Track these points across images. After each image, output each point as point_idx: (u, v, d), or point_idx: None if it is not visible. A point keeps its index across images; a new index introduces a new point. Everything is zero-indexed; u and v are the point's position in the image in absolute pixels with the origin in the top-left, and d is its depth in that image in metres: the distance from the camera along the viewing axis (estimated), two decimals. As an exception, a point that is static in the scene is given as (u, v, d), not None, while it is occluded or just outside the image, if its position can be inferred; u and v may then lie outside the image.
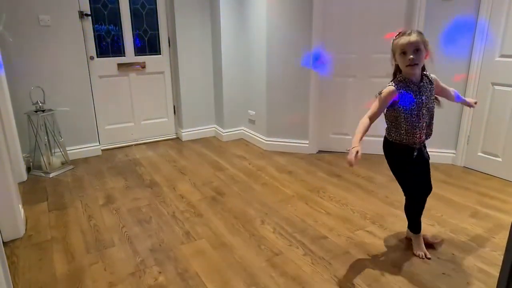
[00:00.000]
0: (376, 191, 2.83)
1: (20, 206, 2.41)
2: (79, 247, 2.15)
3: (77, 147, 3.61)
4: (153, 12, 3.90)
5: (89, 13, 3.50)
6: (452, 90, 2.01)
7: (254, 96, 3.94)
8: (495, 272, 1.86)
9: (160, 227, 2.36)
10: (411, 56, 1.69)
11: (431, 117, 1.89)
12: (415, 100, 1.78)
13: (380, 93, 1.82)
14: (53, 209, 2.62)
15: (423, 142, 1.92)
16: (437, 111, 3.30)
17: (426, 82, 1.83)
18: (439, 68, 3.15)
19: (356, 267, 1.93)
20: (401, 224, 2.35)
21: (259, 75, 3.76)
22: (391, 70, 3.54)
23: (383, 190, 2.86)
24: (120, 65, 3.80)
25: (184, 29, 3.90)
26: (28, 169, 3.28)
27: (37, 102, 3.15)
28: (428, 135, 1.93)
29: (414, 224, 2.06)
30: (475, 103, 2.12)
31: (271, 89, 3.67)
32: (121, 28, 3.75)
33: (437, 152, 3.37)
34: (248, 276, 1.87)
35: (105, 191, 2.91)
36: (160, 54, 4.04)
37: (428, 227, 2.31)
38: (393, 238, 2.19)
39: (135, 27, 3.82)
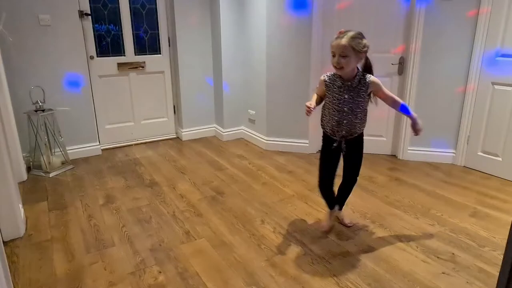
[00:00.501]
0: (376, 191, 2.83)
1: (20, 205, 2.41)
2: (79, 246, 2.15)
3: (77, 146, 3.61)
4: (153, 12, 3.90)
5: (89, 12, 3.50)
6: (400, 101, 1.99)
7: (254, 95, 3.94)
8: (495, 271, 1.86)
9: (160, 226, 2.36)
10: (336, 59, 1.83)
11: (356, 117, 1.97)
12: (337, 95, 1.93)
13: None
14: (53, 208, 2.62)
15: (345, 138, 2.02)
16: (437, 110, 3.32)
17: (358, 83, 1.91)
18: (439, 68, 3.17)
19: (356, 266, 1.94)
20: (401, 223, 2.35)
21: (259, 74, 3.76)
22: (390, 69, 3.56)
23: (383, 189, 2.86)
24: (120, 65, 3.80)
25: (184, 29, 3.89)
26: (28, 169, 3.28)
27: (37, 101, 3.15)
28: (351, 133, 2.01)
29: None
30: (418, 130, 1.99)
31: (271, 88, 3.67)
32: (121, 27, 3.75)
33: (437, 151, 3.37)
34: (248, 275, 1.88)
35: (105, 190, 2.91)
36: (160, 53, 4.04)
37: (428, 226, 2.31)
38: (393, 238, 2.19)
39: (135, 26, 3.82)
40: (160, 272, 1.91)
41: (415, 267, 1.92)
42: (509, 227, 0.82)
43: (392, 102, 1.99)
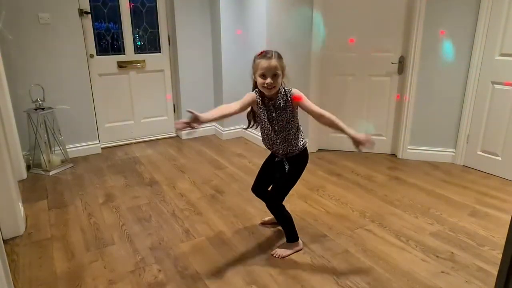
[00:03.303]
0: (376, 190, 2.84)
1: (20, 204, 2.42)
2: (79, 245, 2.15)
3: (77, 145, 3.61)
4: (153, 10, 3.89)
5: (89, 11, 3.49)
6: (329, 116, 1.83)
7: (254, 94, 3.93)
8: (494, 270, 1.87)
9: (160, 225, 2.36)
10: (269, 81, 1.75)
11: (289, 134, 1.88)
12: (266, 114, 1.86)
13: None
14: (53, 207, 2.62)
15: (284, 156, 1.92)
16: (436, 110, 3.32)
17: (282, 100, 1.82)
18: (439, 67, 3.17)
19: (355, 265, 1.94)
20: (401, 222, 2.36)
21: (259, 73, 3.75)
22: (390, 69, 3.56)
23: (383, 189, 2.86)
24: (120, 63, 3.80)
25: (184, 27, 3.89)
26: (28, 167, 3.28)
27: (37, 100, 3.15)
28: (287, 152, 1.91)
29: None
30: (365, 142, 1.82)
31: (271, 87, 3.67)
32: (121, 26, 3.74)
33: (436, 151, 3.38)
34: (247, 274, 1.88)
35: (105, 189, 2.91)
36: (160, 52, 4.03)
37: (427, 225, 2.32)
38: (392, 237, 2.20)
39: (135, 25, 3.82)
40: (160, 270, 1.91)
41: (415, 266, 1.92)
42: (508, 227, 0.82)
43: (318, 117, 1.83)
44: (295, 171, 1.95)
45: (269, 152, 2.05)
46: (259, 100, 1.84)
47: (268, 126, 1.88)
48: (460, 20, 3.00)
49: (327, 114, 1.83)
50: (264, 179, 2.10)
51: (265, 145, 1.98)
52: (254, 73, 1.84)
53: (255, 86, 1.88)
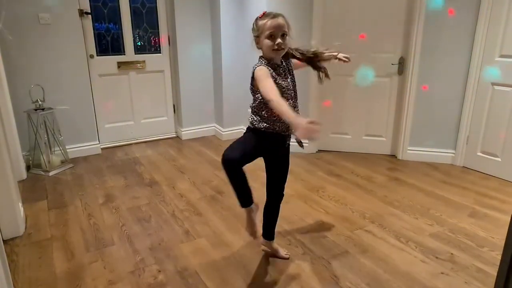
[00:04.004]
0: (376, 191, 2.84)
1: (20, 204, 2.41)
2: (79, 245, 2.15)
3: (77, 145, 3.61)
4: (153, 11, 3.90)
5: (89, 11, 3.49)
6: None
7: (254, 95, 3.93)
8: (493, 271, 1.87)
9: (159, 225, 2.36)
10: (279, 41, 1.59)
11: (296, 99, 1.75)
12: (283, 82, 1.66)
13: (253, 77, 1.61)
14: (52, 207, 2.62)
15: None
16: (436, 110, 3.32)
17: (287, 63, 1.73)
18: (439, 68, 3.18)
19: (355, 266, 1.94)
20: (400, 223, 2.36)
21: (259, 74, 3.75)
22: (390, 69, 3.55)
23: (383, 189, 2.86)
24: (120, 64, 3.80)
25: (184, 28, 3.89)
26: (28, 168, 3.28)
27: (37, 100, 3.15)
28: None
29: None
30: (343, 57, 1.88)
31: (271, 88, 3.67)
32: (121, 26, 3.75)
33: (436, 152, 3.38)
34: (247, 274, 1.88)
35: (104, 189, 2.91)
36: (160, 53, 4.03)
37: (427, 226, 2.32)
38: (392, 238, 2.20)
39: (135, 25, 3.82)
40: (160, 271, 1.91)
41: (414, 267, 1.92)
42: (507, 227, 0.82)
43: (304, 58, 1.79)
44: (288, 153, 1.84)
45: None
46: (271, 70, 1.62)
47: (286, 95, 1.64)
48: (460, 21, 3.00)
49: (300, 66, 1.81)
50: (248, 158, 1.64)
51: (275, 123, 1.66)
52: (258, 37, 1.63)
53: (262, 52, 1.66)
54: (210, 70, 4.19)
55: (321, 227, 2.32)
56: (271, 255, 2.02)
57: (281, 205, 1.95)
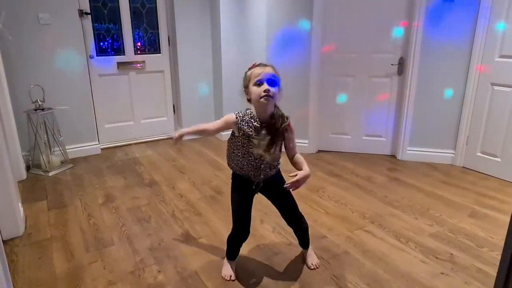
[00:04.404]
0: (375, 191, 2.84)
1: (20, 204, 2.41)
2: (79, 245, 2.15)
3: (77, 145, 3.61)
4: (153, 11, 3.90)
5: (89, 11, 3.49)
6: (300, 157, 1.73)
7: (253, 95, 3.93)
8: (493, 272, 1.87)
9: (159, 226, 2.36)
10: (267, 87, 1.52)
11: (271, 166, 1.70)
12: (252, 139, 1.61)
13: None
14: (52, 207, 2.62)
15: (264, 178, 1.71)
16: (436, 111, 3.32)
17: (282, 129, 1.63)
18: (438, 68, 3.18)
19: (355, 266, 1.94)
20: (400, 223, 2.36)
21: (258, 74, 3.75)
22: (390, 70, 3.55)
23: (382, 190, 2.86)
24: (120, 64, 3.80)
25: (184, 28, 3.89)
26: (28, 168, 3.28)
27: (37, 100, 3.15)
28: (269, 174, 1.72)
29: None
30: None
31: (270, 88, 3.67)
32: (121, 26, 3.75)
33: (436, 152, 3.38)
34: (247, 275, 1.88)
35: (104, 189, 2.91)
36: (160, 53, 4.04)
37: (427, 226, 2.32)
38: (391, 238, 2.20)
39: (135, 26, 3.82)
40: (160, 271, 1.91)
41: (414, 267, 1.92)
42: (507, 228, 0.82)
43: (293, 155, 1.72)
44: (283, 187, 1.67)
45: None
46: (249, 129, 1.60)
47: (251, 151, 1.62)
48: (460, 21, 3.00)
49: (292, 159, 1.72)
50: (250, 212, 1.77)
51: (242, 170, 1.68)
52: (246, 87, 1.61)
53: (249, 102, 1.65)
54: (210, 70, 4.19)
55: (321, 227, 2.32)
56: (302, 260, 1.99)
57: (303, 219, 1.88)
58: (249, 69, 1.62)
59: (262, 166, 1.66)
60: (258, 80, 1.54)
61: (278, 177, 1.78)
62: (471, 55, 3.04)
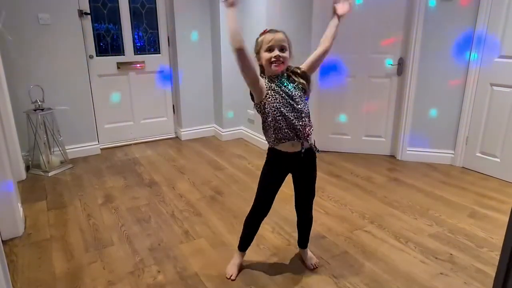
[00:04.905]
0: (375, 191, 2.84)
1: (19, 204, 2.41)
2: (78, 245, 2.15)
3: (76, 146, 3.61)
4: (153, 11, 3.90)
5: (88, 12, 3.49)
6: (328, 41, 1.83)
7: (253, 95, 3.94)
8: (493, 272, 1.86)
9: (159, 226, 2.36)
10: (277, 53, 1.57)
11: (302, 113, 1.67)
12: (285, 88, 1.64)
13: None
14: (52, 207, 2.62)
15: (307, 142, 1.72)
16: (435, 111, 3.32)
17: (291, 73, 1.69)
18: (438, 69, 3.18)
19: (355, 266, 1.94)
20: (400, 224, 2.36)
21: (258, 74, 3.76)
22: (389, 70, 3.55)
23: (382, 190, 2.86)
24: (119, 64, 3.80)
25: (184, 28, 3.89)
26: (27, 168, 3.28)
27: (36, 100, 3.15)
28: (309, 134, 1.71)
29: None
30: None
31: (270, 88, 3.67)
32: (121, 27, 3.75)
33: (435, 152, 3.38)
34: (246, 275, 1.88)
35: (104, 190, 2.91)
36: (159, 53, 4.04)
37: (426, 227, 2.32)
38: (391, 238, 2.20)
39: (134, 26, 3.82)
40: (159, 271, 1.91)
41: (413, 268, 1.92)
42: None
43: (324, 52, 1.81)
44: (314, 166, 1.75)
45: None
46: (270, 83, 1.62)
47: (291, 102, 1.61)
48: (459, 21, 3.01)
49: (325, 44, 1.80)
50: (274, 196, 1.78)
51: (283, 137, 1.63)
52: (258, 53, 1.63)
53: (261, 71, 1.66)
54: (210, 70, 4.19)
55: (321, 228, 2.32)
56: (301, 261, 1.99)
57: (311, 216, 1.90)
58: (260, 35, 1.64)
59: (297, 123, 1.60)
60: (269, 46, 1.57)
61: (311, 158, 1.75)
62: (470, 55, 3.04)
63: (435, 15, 3.04)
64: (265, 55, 1.59)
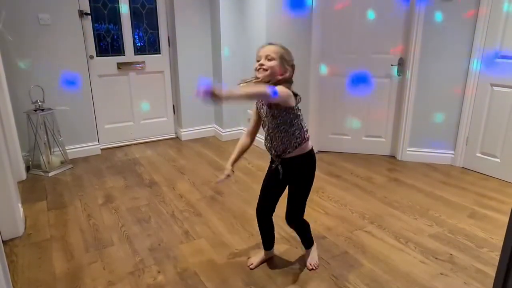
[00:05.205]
0: (375, 191, 2.84)
1: (20, 205, 2.42)
2: (78, 246, 2.15)
3: (77, 146, 3.61)
4: (153, 12, 3.90)
5: (89, 12, 3.50)
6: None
7: (253, 96, 3.93)
8: (493, 272, 1.87)
9: (159, 226, 2.36)
10: (262, 61, 1.62)
11: (282, 132, 1.71)
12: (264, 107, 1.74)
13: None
14: (52, 208, 2.62)
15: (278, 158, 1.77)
16: (436, 111, 3.32)
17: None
18: (438, 69, 3.18)
19: (355, 267, 1.94)
20: (400, 224, 2.36)
21: (258, 75, 3.76)
22: (389, 71, 3.56)
23: (382, 190, 2.86)
24: (119, 65, 3.80)
25: (184, 29, 3.90)
26: (27, 168, 3.28)
27: (37, 101, 3.15)
28: (281, 152, 1.76)
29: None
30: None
31: (270, 89, 3.67)
32: (121, 27, 3.75)
33: (435, 152, 3.38)
34: (246, 275, 1.88)
35: (104, 190, 2.91)
36: (160, 53, 4.04)
37: (426, 227, 2.32)
38: (391, 238, 2.20)
39: (135, 26, 3.83)
40: (159, 272, 1.91)
41: (413, 268, 1.92)
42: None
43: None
44: (304, 178, 1.76)
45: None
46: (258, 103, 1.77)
47: (264, 120, 1.74)
48: (459, 22, 3.01)
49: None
50: (273, 196, 1.84)
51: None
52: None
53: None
54: (210, 70, 4.19)
55: (321, 228, 2.32)
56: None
57: (303, 225, 1.90)
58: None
59: (269, 137, 1.77)
60: (257, 57, 1.68)
61: (299, 165, 1.75)
62: (470, 56, 3.04)
63: (435, 14, 3.04)
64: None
